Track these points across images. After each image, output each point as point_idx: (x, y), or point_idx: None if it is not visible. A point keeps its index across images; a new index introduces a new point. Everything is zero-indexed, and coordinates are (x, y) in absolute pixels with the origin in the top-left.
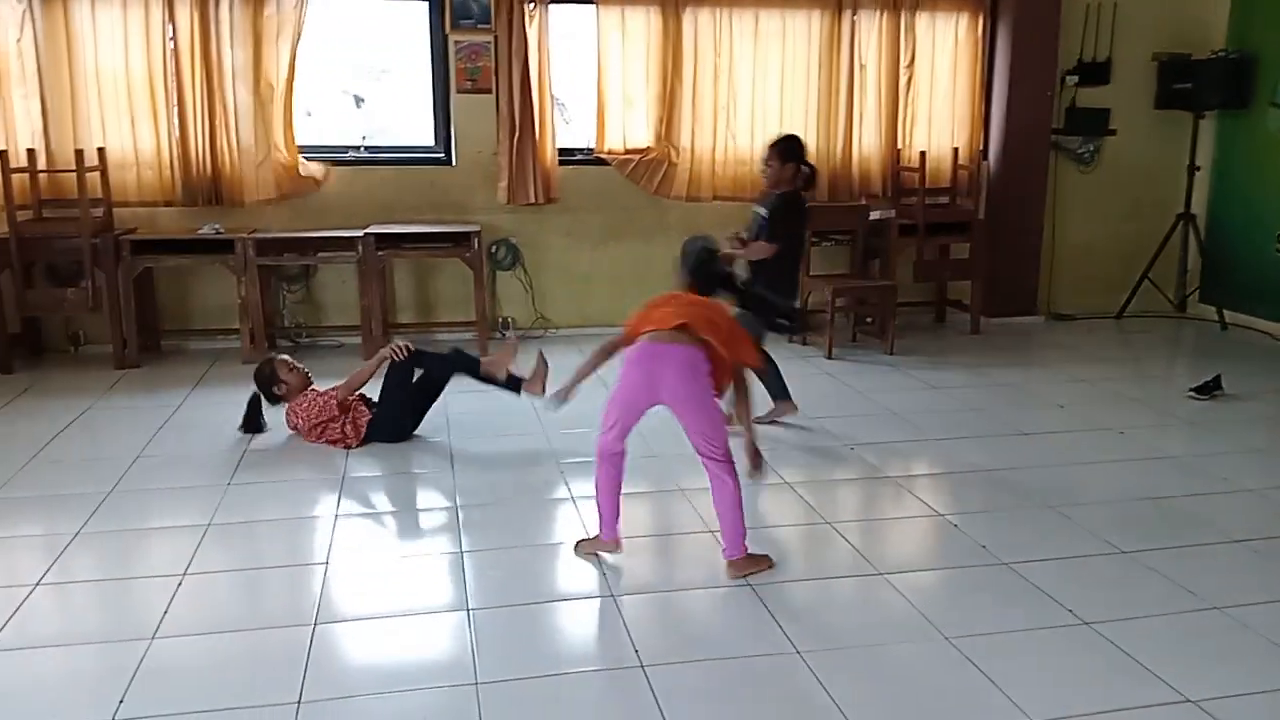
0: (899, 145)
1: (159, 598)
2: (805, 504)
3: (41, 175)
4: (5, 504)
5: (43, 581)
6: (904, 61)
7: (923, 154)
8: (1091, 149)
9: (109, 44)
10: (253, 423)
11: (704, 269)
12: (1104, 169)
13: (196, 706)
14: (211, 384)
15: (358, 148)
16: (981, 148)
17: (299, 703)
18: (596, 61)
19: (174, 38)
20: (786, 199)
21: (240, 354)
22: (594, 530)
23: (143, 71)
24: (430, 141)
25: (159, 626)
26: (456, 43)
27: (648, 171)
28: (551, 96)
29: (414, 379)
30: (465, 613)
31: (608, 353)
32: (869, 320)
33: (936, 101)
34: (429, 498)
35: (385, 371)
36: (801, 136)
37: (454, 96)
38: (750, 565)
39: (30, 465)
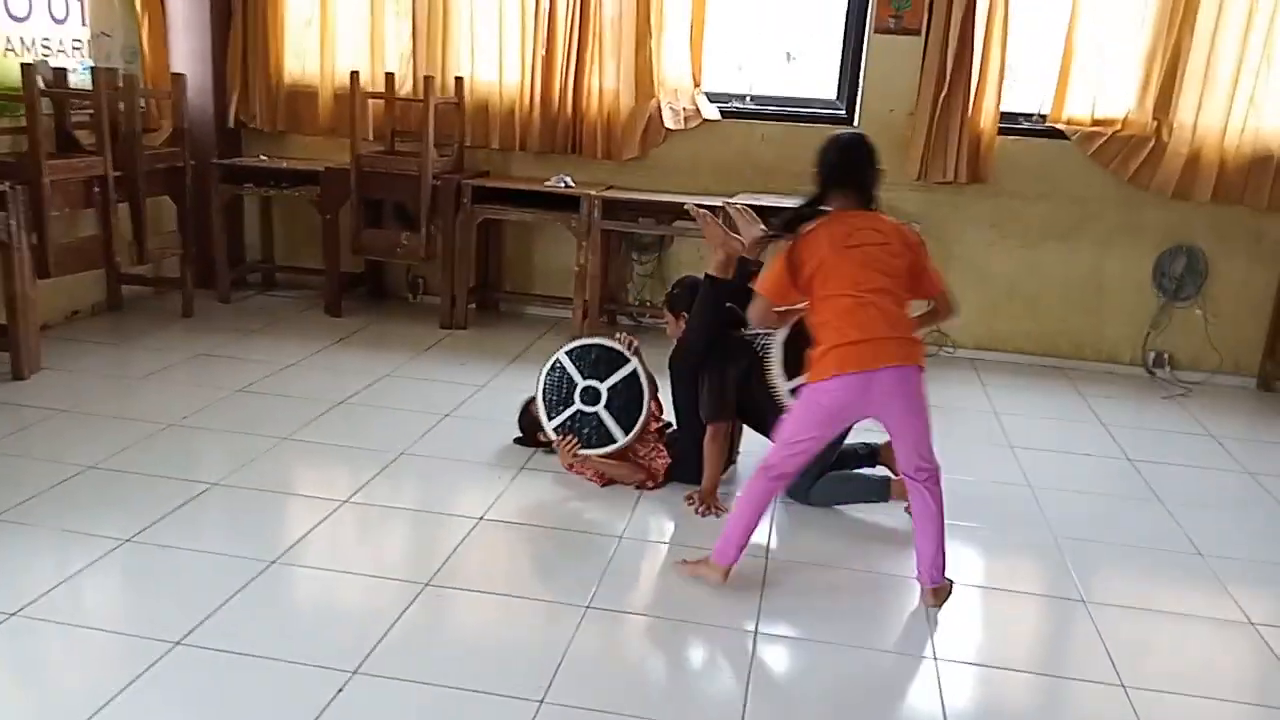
0: None
1: None
2: None
3: (397, 104)
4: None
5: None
6: None
7: None
8: None
9: None
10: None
11: None
12: None
13: None
14: (530, 362)
15: (742, 97)
16: None
17: None
18: None
19: None
20: None
21: (571, 328)
22: None
23: None
24: (830, 94)
25: None
26: None
27: (1123, 151)
28: (1003, 42)
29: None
30: None
31: None
32: None
33: None
34: None
35: None
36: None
37: (870, 38)
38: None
39: (276, 447)
